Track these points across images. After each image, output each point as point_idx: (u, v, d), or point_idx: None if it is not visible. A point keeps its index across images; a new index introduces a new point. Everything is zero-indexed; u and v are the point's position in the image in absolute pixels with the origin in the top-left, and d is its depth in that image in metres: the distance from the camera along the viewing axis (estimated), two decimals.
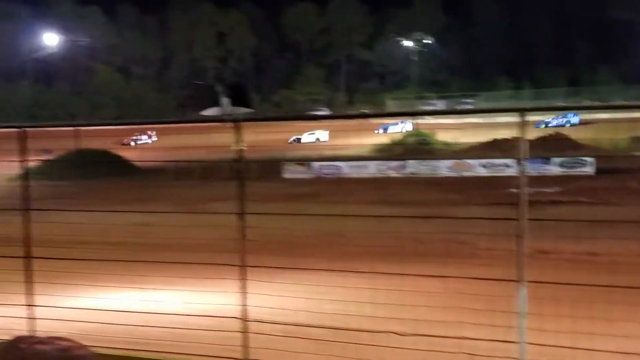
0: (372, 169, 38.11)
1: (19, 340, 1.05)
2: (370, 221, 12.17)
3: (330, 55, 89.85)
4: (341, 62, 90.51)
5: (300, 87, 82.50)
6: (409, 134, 50.40)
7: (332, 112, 70.23)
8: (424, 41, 75.83)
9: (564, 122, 53.12)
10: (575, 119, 54.06)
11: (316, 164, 39.20)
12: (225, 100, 70.91)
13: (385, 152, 43.97)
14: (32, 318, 7.88)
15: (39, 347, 1.03)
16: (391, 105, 67.09)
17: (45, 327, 7.17)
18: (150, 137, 56.55)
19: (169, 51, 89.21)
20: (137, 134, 55.62)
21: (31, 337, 1.10)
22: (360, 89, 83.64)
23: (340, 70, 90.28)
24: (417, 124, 52.08)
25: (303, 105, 76.63)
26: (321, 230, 11.97)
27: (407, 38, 75.39)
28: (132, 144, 54.38)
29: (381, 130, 56.14)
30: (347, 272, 7.45)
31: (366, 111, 60.17)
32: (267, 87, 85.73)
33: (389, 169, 37.71)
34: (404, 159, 38.41)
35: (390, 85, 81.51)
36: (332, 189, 26.43)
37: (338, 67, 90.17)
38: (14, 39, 77.16)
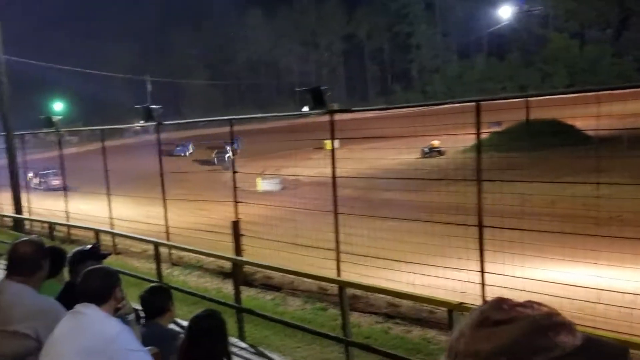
0: None
1: (501, 301, 1.06)
2: None
3: None
4: None
5: None
6: None
7: None
8: None
9: None
10: None
11: None
12: None
13: None
14: (482, 284, 8.26)
15: (522, 309, 1.02)
16: None
17: (492, 294, 7.40)
18: None
19: (627, 10, 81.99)
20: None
21: (511, 299, 1.10)
22: None
23: None
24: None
25: None
26: None
27: None
28: None
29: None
30: None
31: None
32: None
33: None
34: None
35: None
36: None
37: None
38: (471, 15, 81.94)
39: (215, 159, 43.07)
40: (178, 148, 51.64)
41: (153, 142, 15.98)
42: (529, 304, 1.07)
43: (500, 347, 0.97)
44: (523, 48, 79.62)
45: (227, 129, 12.61)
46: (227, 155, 41.65)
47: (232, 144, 12.35)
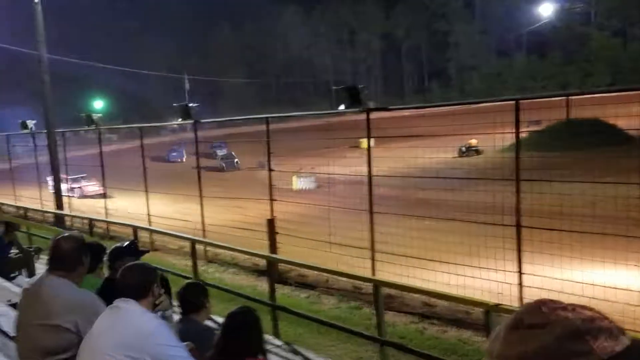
0: None
1: (541, 303, 1.04)
2: None
3: None
4: None
5: None
6: None
7: None
8: None
9: None
10: None
11: None
12: None
13: None
14: (520, 285, 8.15)
15: (562, 312, 1.00)
16: None
17: (530, 296, 7.29)
18: None
19: None
20: None
21: (553, 301, 1.08)
22: None
23: None
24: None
25: None
26: None
27: None
28: None
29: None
30: None
31: None
32: None
33: None
34: None
35: None
36: None
37: None
38: (511, 13, 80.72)
39: (224, 165, 40.29)
40: (173, 153, 45.47)
41: (190, 139, 16.16)
42: (571, 307, 1.04)
43: (529, 352, 0.95)
44: (564, 46, 78.11)
45: (263, 127, 12.67)
46: (235, 160, 40.96)
47: (267, 143, 12.39)
